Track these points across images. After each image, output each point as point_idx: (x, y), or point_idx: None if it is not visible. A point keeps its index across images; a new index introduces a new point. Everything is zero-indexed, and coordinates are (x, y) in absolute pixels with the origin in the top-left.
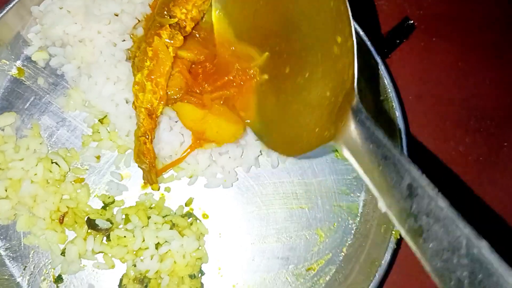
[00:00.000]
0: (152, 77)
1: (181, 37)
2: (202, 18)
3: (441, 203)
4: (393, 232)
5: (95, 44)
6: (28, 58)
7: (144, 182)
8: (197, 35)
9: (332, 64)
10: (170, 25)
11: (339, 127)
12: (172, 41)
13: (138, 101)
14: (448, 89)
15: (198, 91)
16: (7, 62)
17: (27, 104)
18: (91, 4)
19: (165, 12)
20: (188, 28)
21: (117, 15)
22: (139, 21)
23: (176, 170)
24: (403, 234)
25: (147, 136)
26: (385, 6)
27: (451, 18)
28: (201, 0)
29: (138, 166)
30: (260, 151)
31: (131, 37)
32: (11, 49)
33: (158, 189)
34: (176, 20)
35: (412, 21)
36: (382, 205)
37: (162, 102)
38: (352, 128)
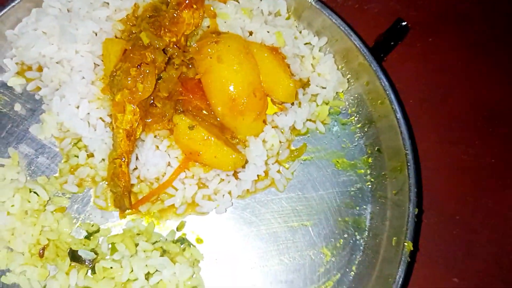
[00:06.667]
0: (133, 97)
1: (165, 59)
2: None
3: None
4: (406, 244)
5: (73, 65)
6: (4, 85)
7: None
8: None
9: None
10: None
11: None
12: (156, 63)
13: (117, 122)
14: (451, 90)
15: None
16: None
17: (4, 133)
18: (67, 24)
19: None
20: (172, 51)
21: (96, 34)
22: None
23: (163, 198)
24: None
25: (123, 159)
26: (376, 9)
27: (447, 16)
28: (189, 30)
29: (111, 190)
30: (258, 175)
31: None
32: None
33: (124, 217)
34: (164, 44)
35: (405, 23)
36: None
37: (141, 124)
38: None
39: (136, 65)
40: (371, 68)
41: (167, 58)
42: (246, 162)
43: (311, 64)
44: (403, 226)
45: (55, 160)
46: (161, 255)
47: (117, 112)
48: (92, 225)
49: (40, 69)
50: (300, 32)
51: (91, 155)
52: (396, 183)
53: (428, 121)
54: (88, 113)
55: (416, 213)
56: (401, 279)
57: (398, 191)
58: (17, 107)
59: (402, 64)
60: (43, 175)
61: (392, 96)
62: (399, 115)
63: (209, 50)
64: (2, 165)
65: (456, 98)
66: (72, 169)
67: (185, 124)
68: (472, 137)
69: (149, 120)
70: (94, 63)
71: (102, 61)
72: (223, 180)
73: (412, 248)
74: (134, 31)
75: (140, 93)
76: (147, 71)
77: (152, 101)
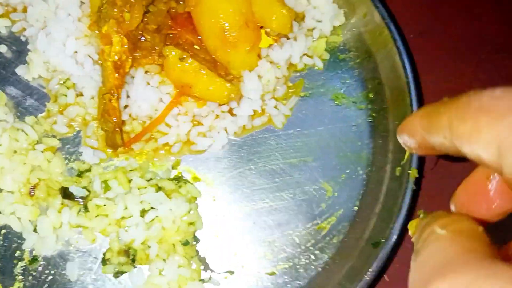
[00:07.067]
0: (121, 26)
1: None
2: None
3: None
4: (410, 172)
5: (58, 2)
6: None
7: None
8: None
9: None
10: None
11: None
12: None
13: (105, 55)
14: (453, 23)
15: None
16: None
17: None
18: None
19: None
20: None
21: None
22: None
23: (157, 136)
24: None
25: (113, 93)
26: None
27: None
28: None
29: (102, 128)
30: (254, 110)
31: None
32: None
33: (117, 156)
34: None
35: None
36: None
37: (130, 57)
38: None
39: None
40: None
41: None
42: (241, 96)
43: None
44: (407, 155)
45: (44, 102)
46: (156, 192)
47: (104, 45)
48: (84, 163)
49: (25, 10)
50: None
51: (80, 95)
52: (398, 114)
53: (429, 56)
54: (76, 51)
55: None
56: (406, 206)
57: (400, 121)
58: (3, 48)
59: None
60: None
61: (391, 25)
62: (399, 43)
63: None
64: None
65: (457, 32)
66: (61, 109)
67: (175, 56)
68: (476, 71)
69: (138, 54)
70: (80, 1)
71: None
72: (218, 116)
73: (417, 175)
74: None
75: (127, 23)
76: (134, 0)
77: (140, 35)
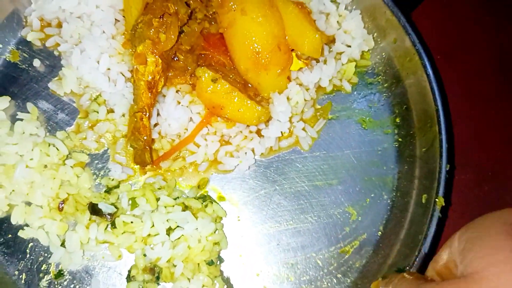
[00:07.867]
0: (156, 47)
1: (188, 12)
2: None
3: None
4: (437, 200)
5: (93, 19)
6: (23, 41)
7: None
8: None
9: None
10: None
11: None
12: (178, 15)
13: (138, 74)
14: (477, 43)
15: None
16: (0, 45)
17: (23, 88)
18: None
19: None
20: (194, 5)
21: None
22: None
23: (185, 155)
24: None
25: (144, 112)
26: None
27: None
28: None
29: (131, 145)
30: (281, 132)
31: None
32: (3, 31)
33: (145, 173)
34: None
35: None
36: None
37: (163, 77)
38: None
39: (159, 16)
40: (400, 24)
41: (189, 11)
42: (270, 118)
43: (337, 22)
44: (434, 183)
45: (74, 117)
46: (183, 210)
47: (138, 64)
48: (112, 180)
49: (59, 25)
50: None
51: (110, 111)
52: (425, 140)
53: (456, 77)
54: (109, 68)
55: (447, 169)
56: (431, 234)
57: (428, 148)
58: (36, 63)
59: (427, 19)
60: (62, 130)
61: (422, 52)
62: (429, 70)
63: (231, 3)
64: (21, 120)
65: (481, 51)
66: (91, 125)
67: (208, 77)
68: (501, 92)
69: (171, 74)
70: (115, 19)
71: (123, 16)
72: (246, 137)
73: (443, 204)
74: None
75: (162, 44)
76: (170, 21)
77: (174, 55)
